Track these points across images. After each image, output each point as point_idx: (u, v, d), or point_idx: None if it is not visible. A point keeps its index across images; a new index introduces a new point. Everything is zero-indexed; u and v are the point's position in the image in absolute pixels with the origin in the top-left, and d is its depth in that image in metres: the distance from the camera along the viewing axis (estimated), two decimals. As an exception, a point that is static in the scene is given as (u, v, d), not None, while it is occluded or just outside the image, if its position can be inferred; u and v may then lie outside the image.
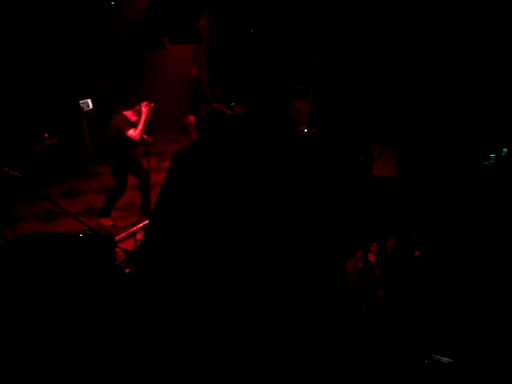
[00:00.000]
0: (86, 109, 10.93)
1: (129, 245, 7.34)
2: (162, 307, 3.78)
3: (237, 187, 3.96)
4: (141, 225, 7.81)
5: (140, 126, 8.02)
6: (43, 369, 3.51)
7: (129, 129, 8.02)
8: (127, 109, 8.24)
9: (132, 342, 3.70)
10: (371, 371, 4.51)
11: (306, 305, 4.15)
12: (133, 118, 8.12)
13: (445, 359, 4.74)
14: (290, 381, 3.81)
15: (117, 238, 7.33)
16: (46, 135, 9.95)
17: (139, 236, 7.31)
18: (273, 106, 5.32)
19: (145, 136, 8.35)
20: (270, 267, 3.86)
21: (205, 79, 12.29)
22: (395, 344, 4.84)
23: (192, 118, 11.33)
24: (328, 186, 5.04)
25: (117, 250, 6.94)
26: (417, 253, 6.10)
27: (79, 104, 10.86)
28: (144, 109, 8.05)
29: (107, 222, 8.22)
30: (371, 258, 5.73)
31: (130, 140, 8.12)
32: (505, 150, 7.99)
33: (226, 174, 4.06)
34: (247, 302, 3.77)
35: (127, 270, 6.44)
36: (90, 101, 11.04)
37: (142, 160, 9.53)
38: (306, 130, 9.09)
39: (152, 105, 8.36)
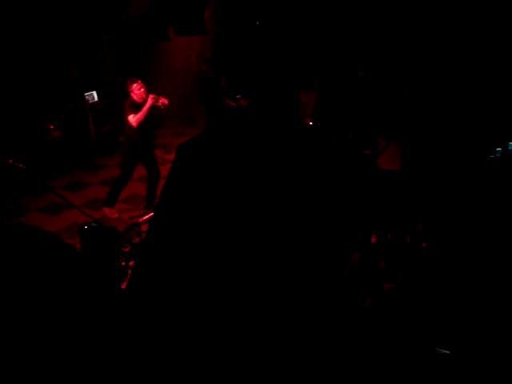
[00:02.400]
0: (91, 101, 10.93)
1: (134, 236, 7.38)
2: (164, 302, 3.79)
3: (242, 180, 3.95)
4: (146, 217, 7.83)
5: (140, 114, 7.98)
6: (42, 365, 3.52)
7: (130, 114, 8.01)
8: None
9: (133, 339, 3.71)
10: (375, 365, 4.51)
11: (310, 300, 4.15)
12: (138, 100, 8.07)
13: (449, 352, 4.74)
14: (292, 378, 3.82)
15: (122, 230, 7.34)
16: (51, 127, 9.95)
17: (144, 228, 7.33)
18: (278, 99, 5.32)
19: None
20: (275, 262, 3.85)
21: (210, 72, 12.26)
22: (399, 338, 4.83)
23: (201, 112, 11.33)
24: (333, 179, 5.03)
25: (122, 242, 6.99)
26: (423, 244, 6.09)
27: (84, 96, 10.86)
28: (150, 100, 8.02)
29: (112, 213, 8.23)
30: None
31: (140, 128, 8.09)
32: (511, 143, 7.94)
33: (232, 167, 4.05)
34: (251, 299, 3.77)
35: (131, 263, 6.49)
36: (95, 93, 11.04)
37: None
38: (311, 123, 9.08)
39: (162, 99, 8.31)
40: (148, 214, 8.00)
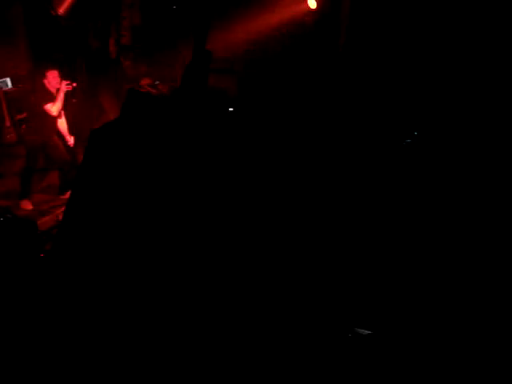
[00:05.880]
0: (4, 88, 10.46)
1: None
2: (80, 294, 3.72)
3: (155, 168, 3.91)
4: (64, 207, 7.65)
5: (57, 103, 7.86)
6: None
7: (47, 102, 7.84)
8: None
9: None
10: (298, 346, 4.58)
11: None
12: (51, 88, 7.90)
13: (368, 332, 4.86)
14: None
15: (39, 222, 7.15)
16: (-39, 117, 9.54)
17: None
18: (195, 84, 5.28)
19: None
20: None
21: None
22: (319, 319, 4.92)
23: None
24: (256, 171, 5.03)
25: (39, 233, 6.80)
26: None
27: (-3, 83, 10.43)
28: (63, 87, 7.86)
29: (27, 205, 8.03)
30: None
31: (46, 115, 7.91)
32: (416, 133, 8.08)
33: (145, 154, 4.00)
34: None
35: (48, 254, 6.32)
36: (8, 80, 10.57)
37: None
38: (231, 109, 9.02)
39: (75, 85, 8.18)
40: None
